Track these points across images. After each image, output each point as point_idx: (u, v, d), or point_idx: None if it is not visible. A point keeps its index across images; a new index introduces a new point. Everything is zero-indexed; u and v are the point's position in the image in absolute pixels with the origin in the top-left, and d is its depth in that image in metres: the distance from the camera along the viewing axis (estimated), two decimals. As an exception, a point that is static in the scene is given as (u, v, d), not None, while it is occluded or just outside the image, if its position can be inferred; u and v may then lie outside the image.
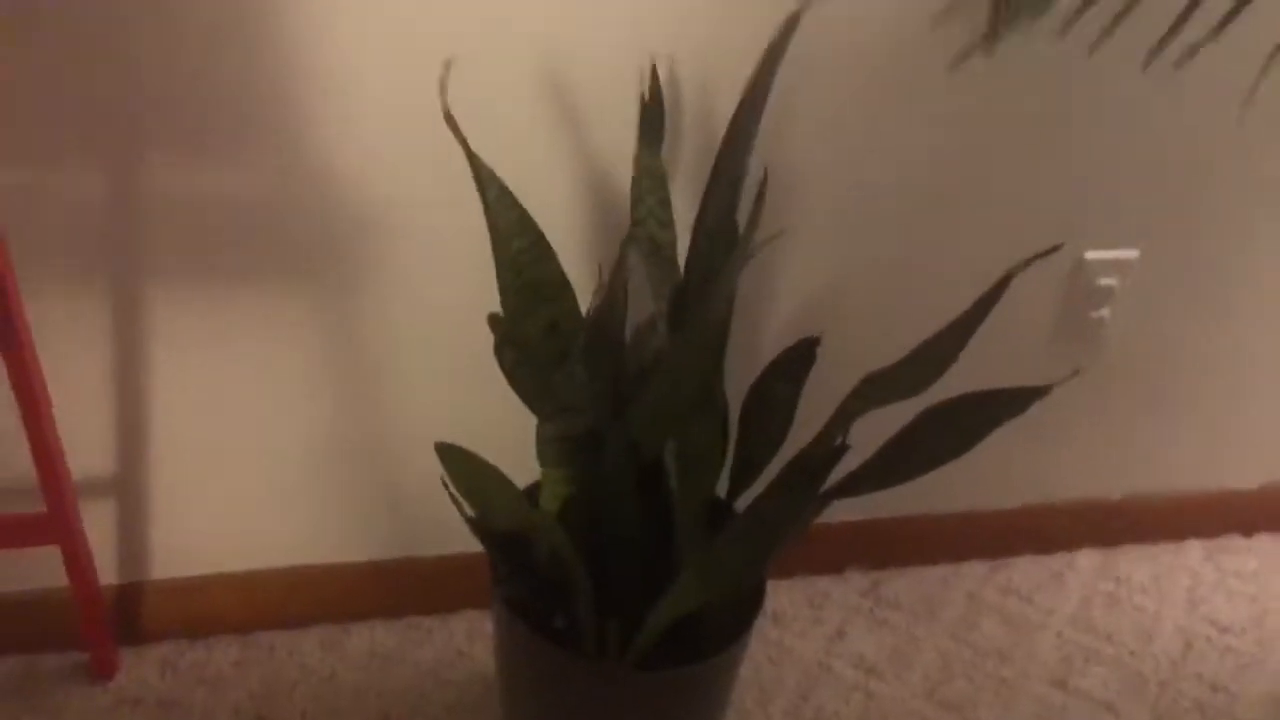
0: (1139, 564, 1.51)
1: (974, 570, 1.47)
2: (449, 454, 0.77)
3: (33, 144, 0.95)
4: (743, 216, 0.98)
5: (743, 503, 1.00)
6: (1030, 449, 1.43)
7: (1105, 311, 1.33)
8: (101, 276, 1.03)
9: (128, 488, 1.16)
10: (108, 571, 1.20)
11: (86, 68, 0.93)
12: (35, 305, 1.01)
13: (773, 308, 1.21)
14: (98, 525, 1.17)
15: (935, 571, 1.46)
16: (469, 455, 0.77)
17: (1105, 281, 1.31)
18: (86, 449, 1.12)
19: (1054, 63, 1.13)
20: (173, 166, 0.99)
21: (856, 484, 0.93)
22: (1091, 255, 1.29)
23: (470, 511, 0.95)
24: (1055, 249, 0.81)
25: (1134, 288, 1.32)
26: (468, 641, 1.29)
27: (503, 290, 0.90)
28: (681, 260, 0.99)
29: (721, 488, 1.07)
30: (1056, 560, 1.50)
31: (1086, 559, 1.51)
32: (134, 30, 0.92)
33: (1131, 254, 1.30)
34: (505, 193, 0.87)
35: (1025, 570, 1.48)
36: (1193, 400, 1.45)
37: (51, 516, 1.02)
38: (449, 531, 1.27)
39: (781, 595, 1.40)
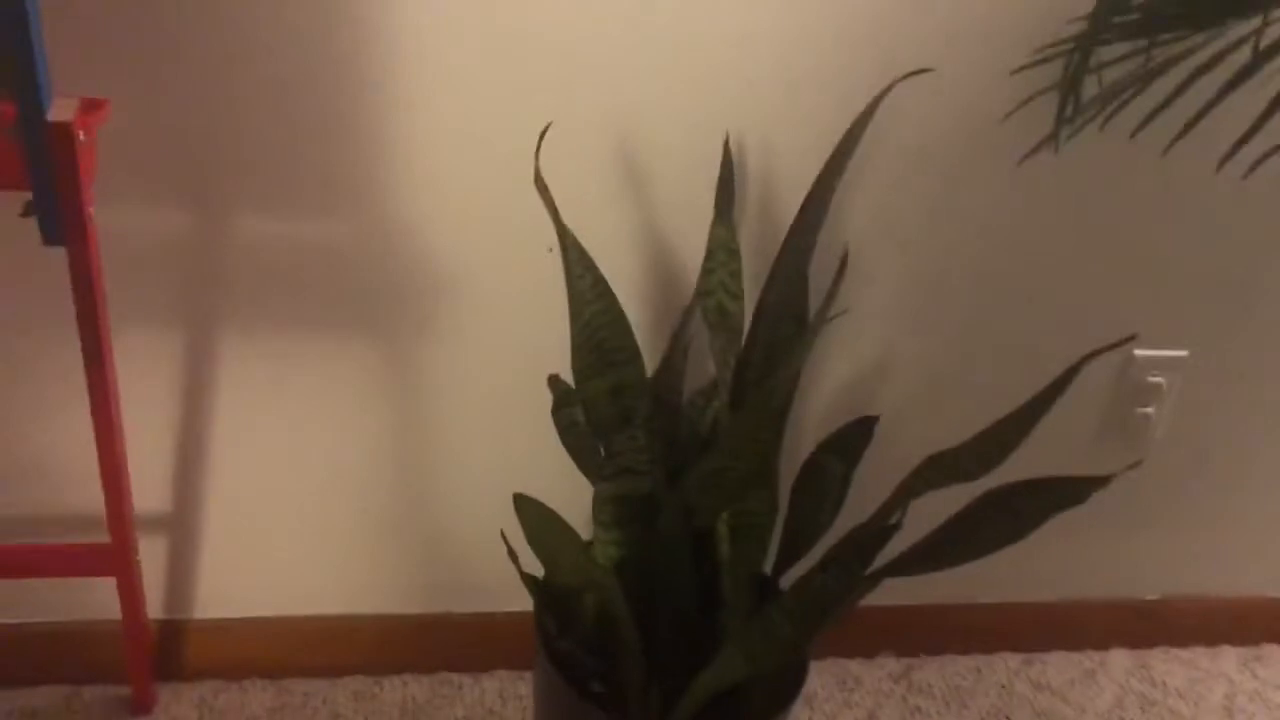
0: (1173, 667, 1.50)
1: (1006, 662, 1.46)
2: (526, 506, 0.78)
3: (134, 186, 0.99)
4: (809, 294, 1.01)
5: (788, 579, 1.01)
6: (1066, 543, 1.43)
7: (1151, 409, 1.34)
8: (178, 316, 1.06)
9: (181, 526, 1.18)
10: (154, 607, 1.21)
11: (189, 119, 0.97)
12: (115, 340, 1.04)
13: (827, 384, 1.23)
14: (149, 561, 1.18)
15: (967, 661, 1.46)
16: (543, 507, 0.79)
17: (1154, 379, 1.32)
18: (146, 485, 1.14)
19: (1118, 162, 1.16)
20: (259, 215, 1.02)
21: (908, 565, 0.93)
22: (1141, 353, 1.31)
23: (524, 567, 0.96)
24: (1129, 339, 0.83)
25: (1182, 387, 1.34)
26: (499, 701, 1.29)
27: (575, 352, 0.92)
28: (743, 333, 1.01)
29: (768, 563, 1.08)
30: (1088, 658, 1.49)
31: (1119, 658, 1.50)
32: (240, 89, 0.96)
33: (1181, 354, 1.32)
34: (584, 256, 0.90)
35: (1057, 665, 1.47)
36: (1234, 503, 1.45)
37: (114, 548, 1.04)
38: (487, 590, 1.28)
39: (813, 676, 1.40)
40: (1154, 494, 1.42)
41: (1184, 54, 0.93)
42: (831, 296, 0.81)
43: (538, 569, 0.97)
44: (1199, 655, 1.53)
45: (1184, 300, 1.28)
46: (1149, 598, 1.50)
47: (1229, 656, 1.53)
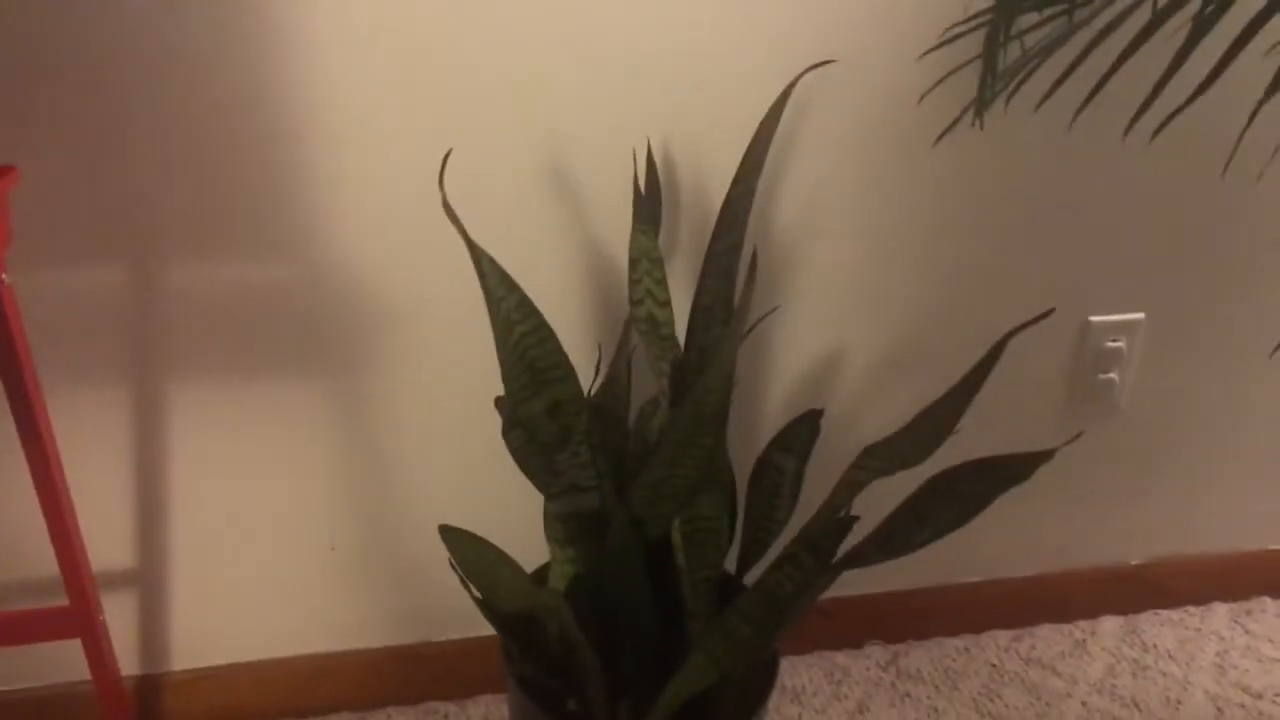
0: (1163, 630, 1.49)
1: (995, 640, 1.46)
2: (452, 536, 0.78)
3: (57, 244, 0.99)
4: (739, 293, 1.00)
5: (753, 577, 1.00)
6: (1047, 515, 1.43)
7: (1114, 374, 1.34)
8: (122, 371, 1.06)
9: (148, 580, 1.18)
10: (129, 663, 1.21)
11: (111, 171, 0.97)
12: (56, 400, 1.04)
13: (775, 383, 1.22)
14: (119, 617, 1.18)
15: (956, 642, 1.45)
16: (472, 537, 0.79)
17: (1112, 344, 1.32)
18: (107, 541, 1.14)
19: (1045, 133, 1.15)
20: (191, 265, 1.02)
21: (863, 556, 0.93)
22: (1096, 318, 1.30)
23: (478, 594, 0.96)
24: (1049, 313, 0.82)
25: (1142, 349, 1.33)
26: (486, 726, 1.28)
27: (506, 374, 0.92)
28: (681, 338, 1.01)
29: (732, 563, 1.07)
30: (1078, 628, 1.48)
31: (1109, 626, 1.49)
32: (158, 138, 0.96)
33: (1138, 316, 1.31)
34: (505, 278, 0.89)
35: (1047, 638, 1.46)
36: (1210, 460, 1.44)
37: (73, 610, 1.04)
38: (464, 616, 1.28)
39: (800, 672, 1.39)
40: (1127, 459, 1.41)
41: (1089, 19, 0.92)
42: (747, 295, 0.80)
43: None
44: (1189, 615, 1.52)
45: (1135, 263, 1.27)
46: (1134, 562, 1.50)
47: (1219, 613, 1.52)
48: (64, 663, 1.18)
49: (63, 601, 1.06)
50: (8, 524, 1.09)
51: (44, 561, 1.12)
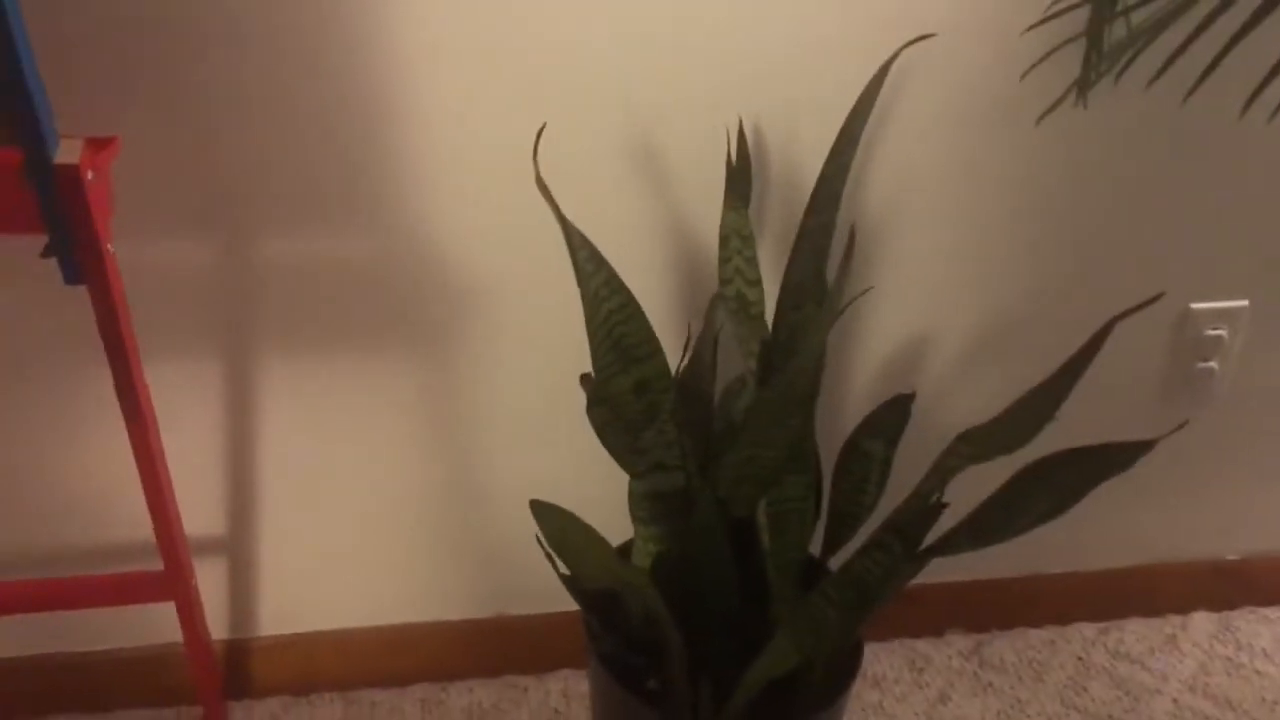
0: (1260, 628, 1.44)
1: (1081, 632, 1.42)
2: (542, 511, 0.78)
3: (156, 216, 1.00)
4: (831, 273, 0.99)
5: (837, 561, 0.99)
6: (1139, 507, 1.39)
7: (1214, 363, 1.29)
8: (216, 344, 1.08)
9: (237, 547, 1.20)
10: (218, 627, 1.24)
11: (209, 145, 0.98)
12: (153, 369, 1.06)
13: (863, 365, 1.20)
14: (210, 583, 1.21)
15: (1040, 634, 1.42)
16: (561, 512, 0.79)
17: (1213, 332, 1.27)
18: (199, 509, 1.17)
19: (1150, 114, 1.11)
20: (284, 238, 1.03)
21: (953, 544, 0.91)
22: (1198, 306, 1.26)
23: (564, 569, 0.96)
24: (1157, 298, 0.80)
25: (1245, 338, 1.28)
26: (563, 701, 1.29)
27: (594, 350, 0.91)
28: (769, 318, 1.00)
29: (816, 547, 1.06)
30: (1169, 623, 1.44)
31: (1201, 622, 1.45)
32: (256, 112, 0.97)
33: (1241, 304, 1.27)
34: (595, 255, 0.89)
35: (1136, 633, 1.43)
36: (1312, 455, 1.39)
37: (168, 574, 1.06)
38: (547, 591, 1.28)
39: (881, 658, 1.37)
40: (1225, 449, 1.37)
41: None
42: (843, 274, 0.79)
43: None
44: (1286, 614, 1.47)
45: (1239, 249, 1.23)
46: (1230, 557, 1.45)
47: (1319, 612, 1.47)
48: (156, 625, 1.21)
49: (157, 566, 1.09)
50: (106, 490, 1.12)
51: (139, 527, 1.14)
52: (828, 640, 0.95)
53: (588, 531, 0.81)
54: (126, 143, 0.94)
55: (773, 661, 0.94)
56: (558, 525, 0.80)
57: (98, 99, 0.94)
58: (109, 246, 0.87)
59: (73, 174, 0.80)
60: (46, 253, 0.85)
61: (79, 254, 0.84)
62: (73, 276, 0.85)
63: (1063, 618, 1.44)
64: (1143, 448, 0.86)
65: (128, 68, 0.93)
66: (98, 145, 0.85)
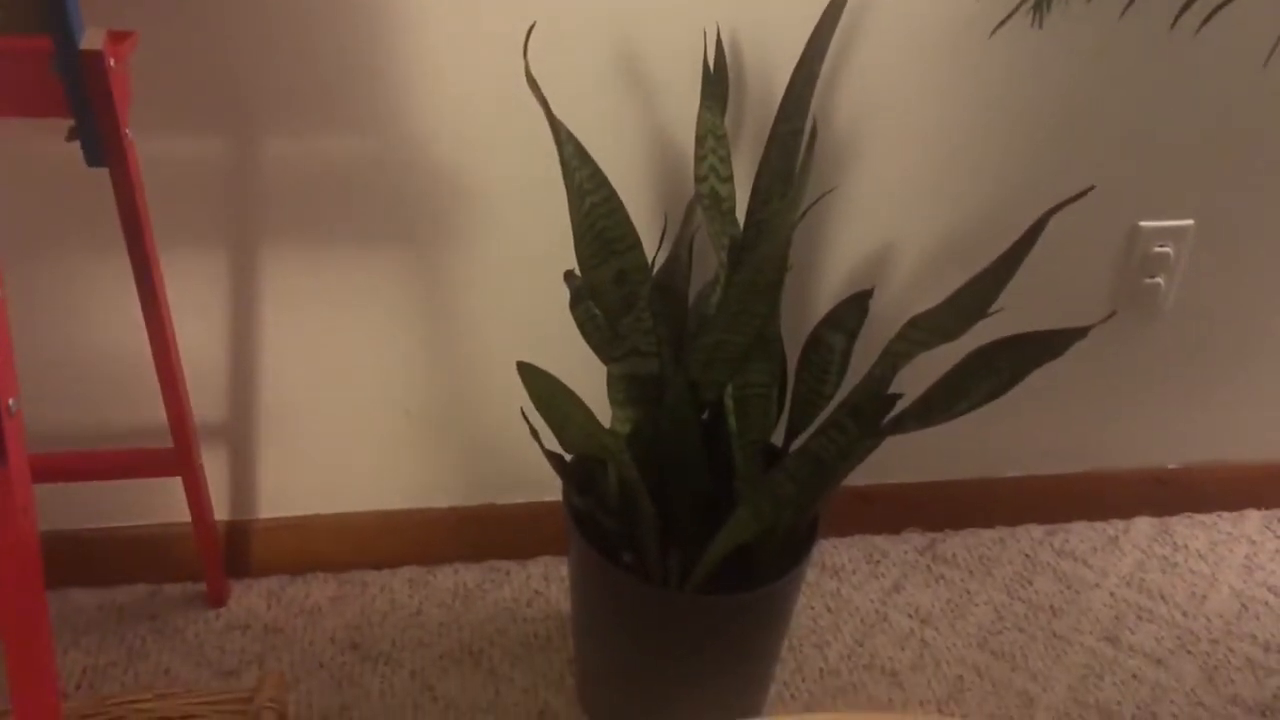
0: (1195, 531, 1.55)
1: (1030, 533, 1.52)
2: (530, 374, 0.86)
3: (169, 113, 1.07)
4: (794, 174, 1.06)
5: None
6: (1087, 416, 1.48)
7: (1160, 279, 1.38)
8: (223, 236, 1.15)
9: (239, 434, 1.28)
10: (220, 509, 1.32)
11: (217, 46, 1.04)
12: (165, 257, 1.13)
13: (829, 266, 1.28)
14: (212, 467, 1.29)
15: (992, 533, 1.52)
16: (547, 376, 0.87)
17: (1160, 249, 1.36)
18: (205, 396, 1.24)
19: (1100, 33, 1.18)
20: (288, 136, 1.10)
21: (902, 423, 1.00)
22: (1146, 224, 1.34)
23: (546, 445, 1.04)
24: (1088, 191, 0.87)
25: (1189, 256, 1.37)
26: (543, 583, 1.38)
27: (577, 242, 0.99)
28: (740, 216, 1.07)
29: (779, 438, 1.15)
30: (1112, 526, 1.54)
31: (1143, 526, 1.55)
32: (261, 17, 1.03)
33: (1186, 223, 1.35)
34: (580, 150, 0.96)
35: (1081, 534, 1.53)
36: (1249, 369, 1.48)
37: (177, 451, 1.14)
38: (528, 482, 1.37)
39: (841, 552, 1.47)
40: (1170, 363, 1.45)
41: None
42: (804, 171, 0.86)
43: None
44: (1222, 520, 1.57)
45: (1186, 170, 1.31)
46: (1170, 466, 1.55)
47: (1252, 519, 1.57)
48: (160, 505, 1.29)
49: (166, 444, 1.17)
50: (117, 372, 1.19)
51: (146, 410, 1.22)
52: (787, 512, 1.04)
53: (570, 395, 0.88)
54: (142, 36, 1.00)
55: (736, 530, 1.02)
56: (544, 387, 0.88)
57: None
58: (127, 131, 0.94)
59: (97, 60, 0.87)
60: (71, 136, 0.91)
61: (101, 137, 0.91)
62: (95, 159, 0.92)
63: (1013, 519, 1.54)
64: (1074, 334, 0.94)
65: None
66: (119, 36, 0.91)
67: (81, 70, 0.87)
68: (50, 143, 0.97)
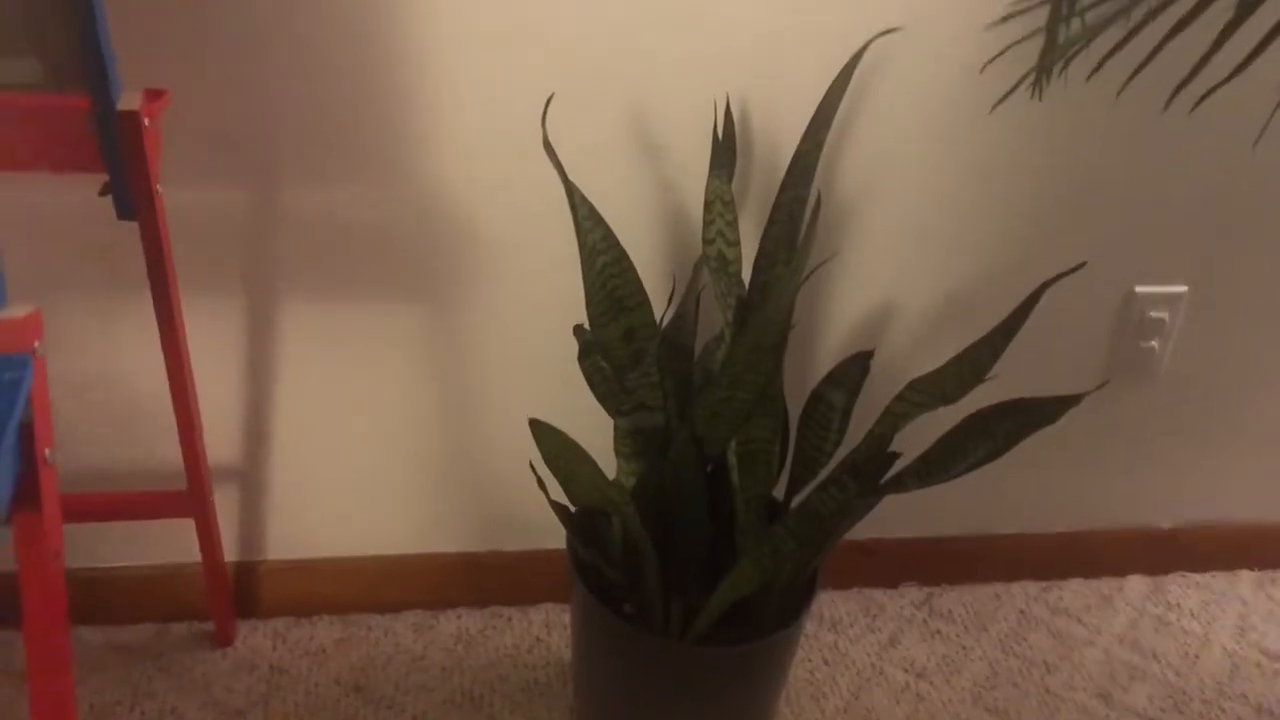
0: (1189, 591, 1.57)
1: (1025, 589, 1.54)
2: (540, 429, 0.89)
3: (191, 165, 1.11)
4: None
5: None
6: (1083, 475, 1.50)
7: (1155, 343, 1.41)
8: (243, 283, 1.18)
9: (251, 476, 1.31)
10: (230, 550, 1.34)
11: (242, 102, 1.08)
12: (185, 304, 1.16)
13: (832, 328, 1.31)
14: (222, 508, 1.31)
15: (988, 589, 1.54)
16: (556, 431, 0.89)
17: (1155, 314, 1.39)
18: (218, 438, 1.27)
19: (1098, 106, 1.23)
20: (307, 187, 1.14)
21: (901, 483, 1.03)
22: (1141, 289, 1.37)
23: (553, 496, 1.07)
24: (1080, 266, 0.91)
25: (1183, 322, 1.40)
26: (545, 630, 1.40)
27: (588, 299, 1.02)
28: (746, 278, 1.11)
29: (781, 491, 1.17)
30: (1106, 584, 1.56)
31: (1136, 584, 1.57)
32: (282, 75, 1.07)
33: (1180, 289, 1.38)
34: (594, 212, 1.00)
35: (1075, 591, 1.55)
36: (1244, 431, 1.51)
37: (190, 493, 1.17)
38: (533, 529, 1.39)
39: (839, 605, 1.49)
40: (1164, 425, 1.48)
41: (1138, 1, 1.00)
42: (809, 238, 0.90)
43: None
44: (1215, 579, 1.59)
45: (1180, 237, 1.34)
46: (1164, 526, 1.57)
47: (1245, 580, 1.59)
48: (169, 545, 1.31)
49: (179, 486, 1.19)
50: (137, 416, 1.22)
51: (162, 451, 1.25)
52: (787, 567, 1.07)
53: (578, 450, 0.91)
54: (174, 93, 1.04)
55: (736, 583, 1.05)
56: (554, 443, 0.90)
57: (142, 57, 1.04)
58: (158, 187, 0.97)
59: (133, 120, 0.90)
60: (104, 190, 0.95)
61: (133, 192, 0.94)
62: (126, 212, 0.95)
63: (1009, 575, 1.56)
64: (1070, 401, 0.97)
65: (168, 28, 1.03)
66: (153, 95, 0.95)
67: (117, 128, 0.90)
68: (83, 196, 1.01)
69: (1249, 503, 1.57)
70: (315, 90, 1.09)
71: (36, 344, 0.69)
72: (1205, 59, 0.91)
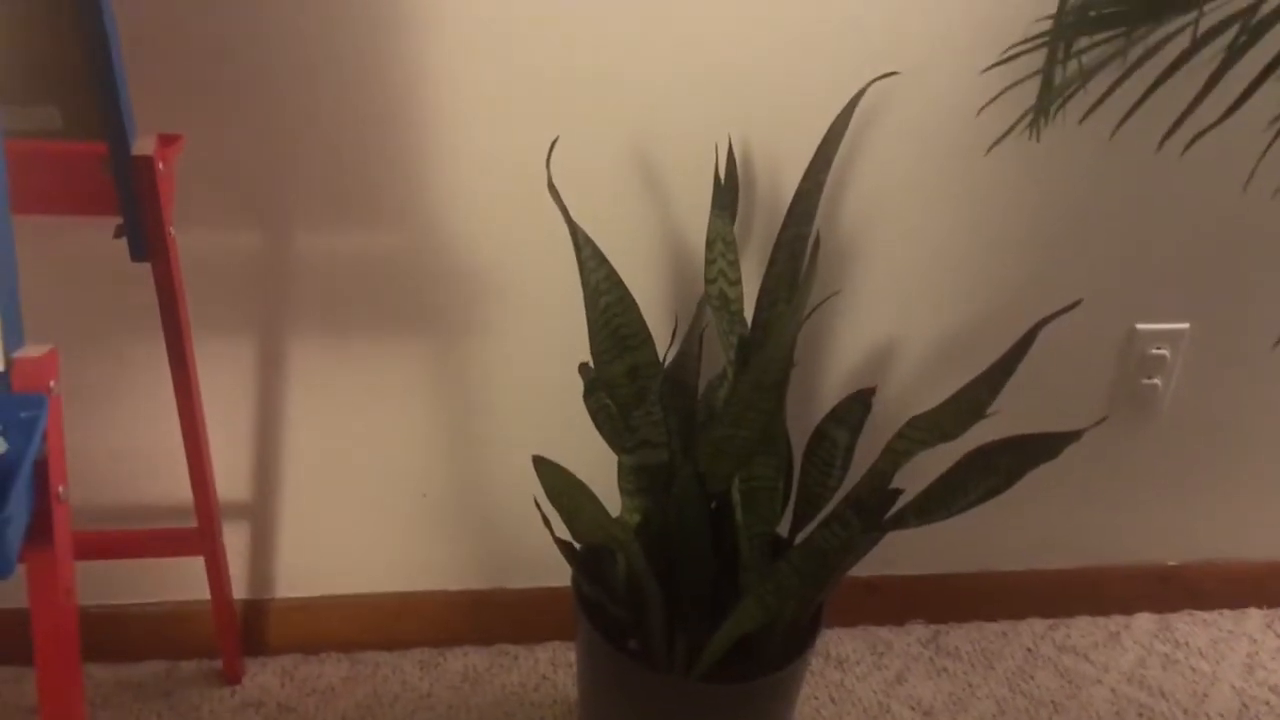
0: (1196, 629, 1.56)
1: (1032, 627, 1.54)
2: (544, 467, 0.90)
3: (209, 210, 1.13)
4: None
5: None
6: (1089, 512, 1.51)
7: (1158, 380, 1.42)
8: (253, 324, 1.20)
9: (260, 514, 1.32)
10: (239, 588, 1.35)
11: (252, 149, 1.11)
12: (197, 343, 1.18)
13: (833, 366, 1.33)
14: (233, 547, 1.32)
15: (994, 626, 1.54)
16: (560, 469, 0.91)
17: (1157, 351, 1.40)
18: (228, 476, 1.28)
19: (1094, 147, 1.24)
20: (316, 231, 1.16)
21: (903, 519, 1.03)
22: (1143, 326, 1.38)
23: (557, 533, 1.08)
24: (1076, 304, 0.92)
25: (1185, 358, 1.41)
26: (551, 669, 1.40)
27: (592, 337, 1.04)
28: (749, 316, 1.12)
29: (785, 528, 1.18)
30: (1113, 622, 1.56)
31: (1144, 622, 1.56)
32: (293, 122, 1.10)
33: (1182, 326, 1.39)
34: (597, 253, 1.02)
35: (1083, 629, 1.54)
36: (1250, 468, 1.51)
37: (201, 531, 1.18)
38: (538, 567, 1.40)
39: (845, 642, 1.49)
40: (1168, 462, 1.48)
41: (1141, 40, 1.02)
42: (809, 277, 0.91)
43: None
44: (1223, 618, 1.58)
45: (1181, 275, 1.35)
46: (1171, 563, 1.57)
47: (1254, 618, 1.59)
48: (178, 583, 1.33)
49: (189, 524, 1.21)
50: (148, 453, 1.24)
51: (171, 489, 1.26)
52: (791, 604, 1.07)
53: (582, 488, 0.92)
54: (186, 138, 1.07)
55: (741, 620, 1.05)
56: (558, 481, 0.92)
57: (157, 103, 1.07)
58: (170, 229, 0.99)
59: (148, 164, 0.93)
60: (118, 233, 0.97)
61: (147, 234, 0.96)
62: (140, 254, 0.97)
63: (1016, 613, 1.55)
64: (1070, 437, 0.98)
65: (183, 75, 1.06)
66: (167, 140, 0.97)
67: (132, 173, 0.93)
68: (98, 239, 1.03)
69: (1257, 540, 1.57)
70: (326, 135, 1.12)
71: (52, 383, 0.70)
72: (1196, 102, 0.93)
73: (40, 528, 0.69)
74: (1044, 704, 1.41)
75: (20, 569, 0.66)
